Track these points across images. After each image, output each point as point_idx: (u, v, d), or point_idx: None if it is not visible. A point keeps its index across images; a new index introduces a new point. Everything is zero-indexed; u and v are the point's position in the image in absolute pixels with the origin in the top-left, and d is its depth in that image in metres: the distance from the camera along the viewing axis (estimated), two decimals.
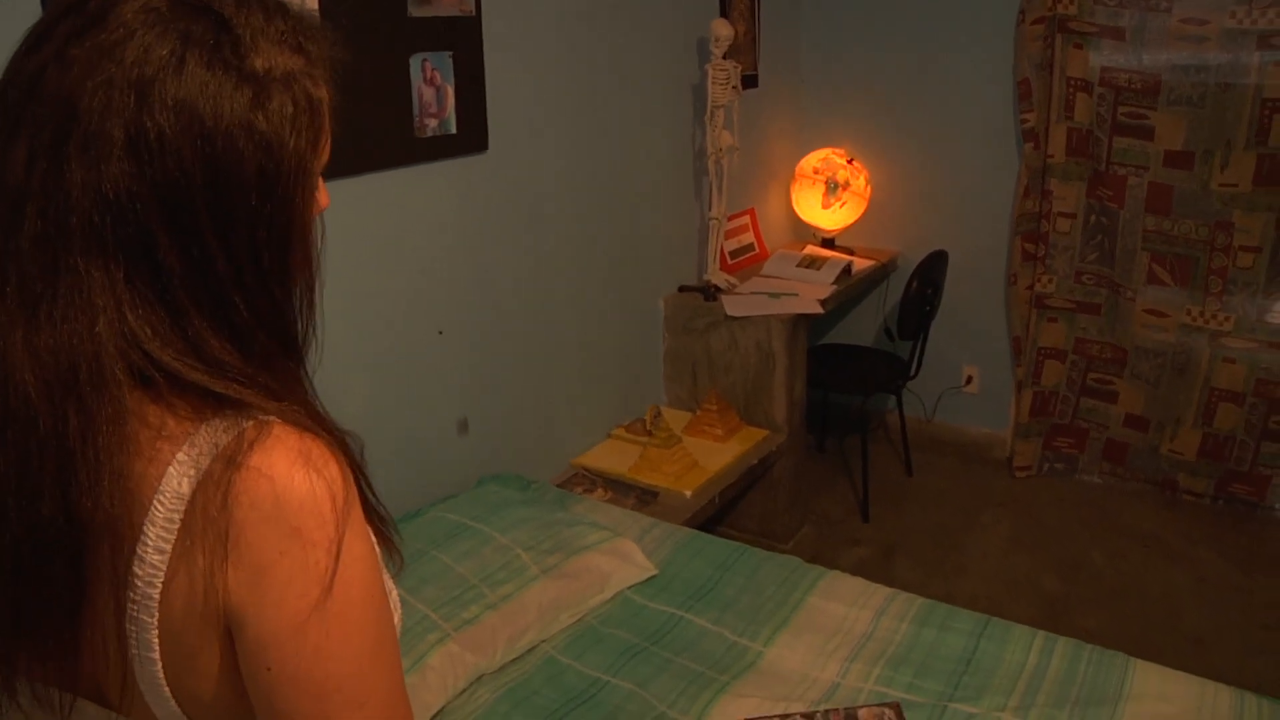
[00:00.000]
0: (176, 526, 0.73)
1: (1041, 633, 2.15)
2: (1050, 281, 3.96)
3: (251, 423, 0.74)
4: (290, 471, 0.74)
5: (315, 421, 0.80)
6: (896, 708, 1.93)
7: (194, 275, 0.74)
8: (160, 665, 0.76)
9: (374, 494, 0.87)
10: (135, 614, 0.74)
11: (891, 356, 4.00)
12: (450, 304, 2.69)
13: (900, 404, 4.09)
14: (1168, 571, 3.47)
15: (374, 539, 0.84)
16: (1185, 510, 3.87)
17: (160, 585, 0.73)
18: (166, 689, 0.77)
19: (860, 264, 3.94)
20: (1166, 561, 3.53)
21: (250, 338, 0.78)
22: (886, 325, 4.27)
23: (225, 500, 0.72)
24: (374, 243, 2.44)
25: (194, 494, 0.72)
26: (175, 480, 0.73)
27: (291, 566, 0.74)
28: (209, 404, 0.75)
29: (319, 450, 0.76)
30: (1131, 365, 3.92)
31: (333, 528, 0.75)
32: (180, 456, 0.74)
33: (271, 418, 0.76)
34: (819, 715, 1.92)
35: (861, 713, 1.92)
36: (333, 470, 0.76)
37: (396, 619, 0.88)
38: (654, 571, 2.34)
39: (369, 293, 2.45)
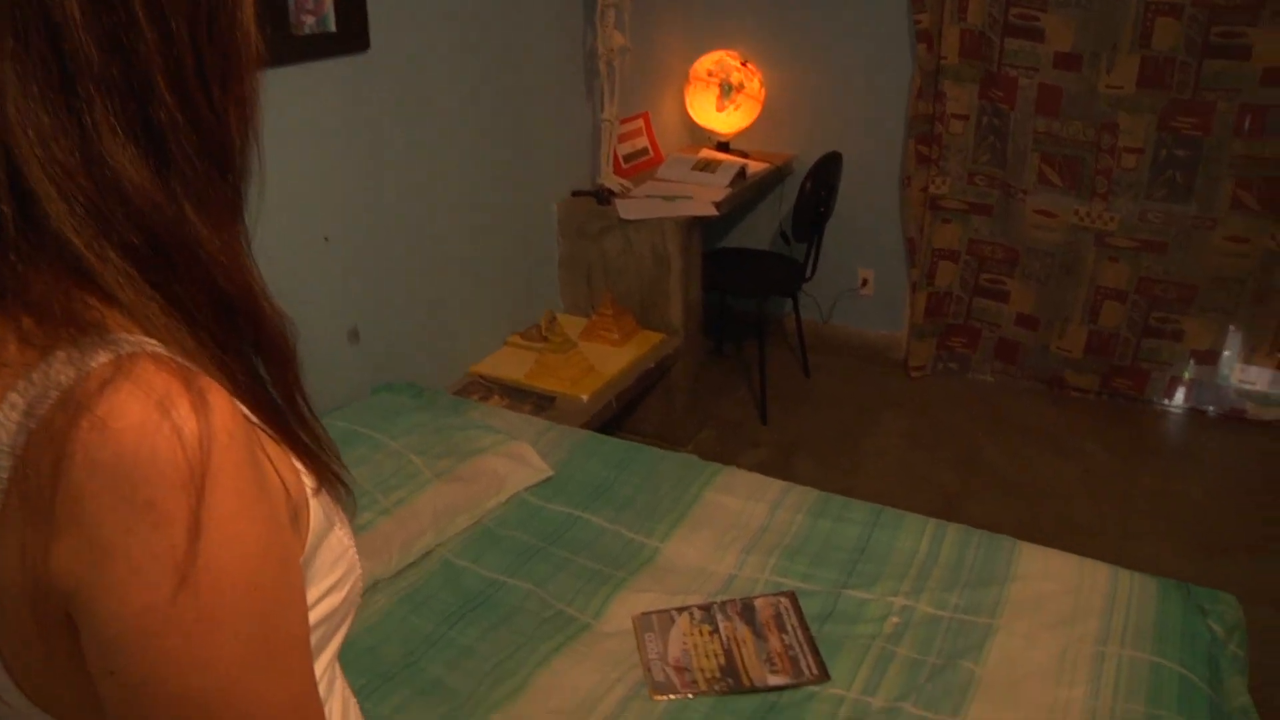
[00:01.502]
0: (3, 487, 0.58)
1: (933, 520, 2.18)
2: (944, 183, 3.98)
3: (108, 358, 0.57)
4: (144, 425, 0.56)
5: (221, 334, 0.66)
6: (792, 596, 1.95)
7: (107, 54, 0.59)
8: None
9: (309, 427, 0.74)
10: None
11: (787, 260, 4.00)
12: (336, 210, 2.59)
13: (797, 307, 4.10)
14: (1056, 464, 3.57)
15: (294, 502, 0.69)
16: (1073, 406, 3.98)
17: None
18: (6, 677, 0.64)
19: (755, 167, 3.91)
20: (1055, 455, 3.63)
21: (172, 146, 0.62)
22: (782, 229, 4.26)
23: (59, 459, 0.56)
24: None
25: (26, 448, 0.57)
26: (4, 428, 0.57)
27: (140, 549, 0.56)
28: (67, 322, 0.59)
29: (196, 394, 0.58)
30: (1023, 265, 3.98)
31: (195, 499, 0.57)
32: (13, 397, 0.58)
33: (145, 347, 0.59)
34: (715, 606, 1.92)
35: (757, 602, 1.93)
36: (212, 421, 0.58)
37: (348, 587, 0.77)
38: (550, 473, 2.32)
39: (248, 199, 2.34)
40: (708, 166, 3.78)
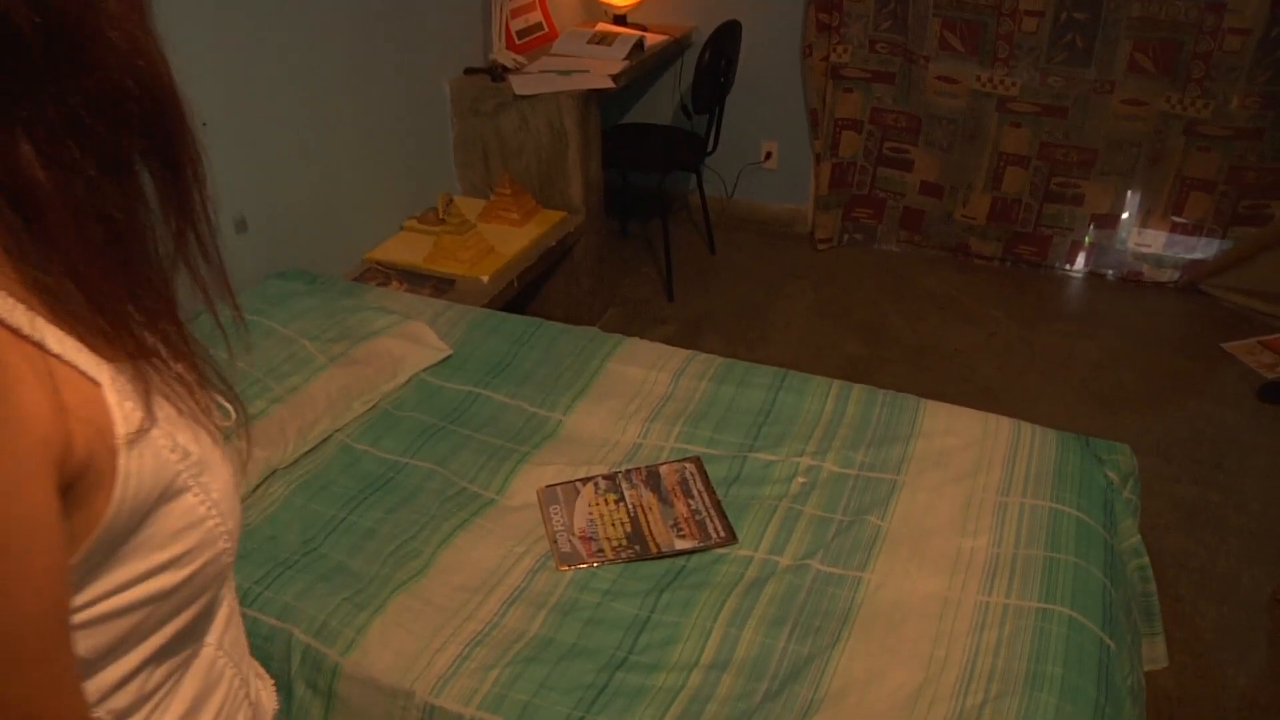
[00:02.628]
0: None
1: (838, 382, 2.17)
2: (845, 51, 3.91)
3: None
4: None
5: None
6: (697, 461, 1.93)
7: None
8: None
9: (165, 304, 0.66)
10: None
11: (689, 134, 3.92)
12: (214, 94, 2.44)
13: (700, 182, 4.04)
14: (961, 330, 3.60)
15: (75, 460, 0.57)
16: (977, 273, 4.01)
17: None
18: None
19: (653, 39, 3.80)
20: (960, 321, 3.66)
21: None
22: (683, 102, 4.17)
23: None
24: None
25: None
26: None
27: None
28: None
29: None
30: (925, 133, 3.96)
31: None
32: None
33: None
34: (620, 475, 1.90)
35: (663, 469, 1.91)
36: None
37: (199, 562, 0.67)
38: (448, 352, 2.25)
39: None
40: (604, 40, 3.67)
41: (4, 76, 0.54)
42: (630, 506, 1.83)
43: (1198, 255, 3.82)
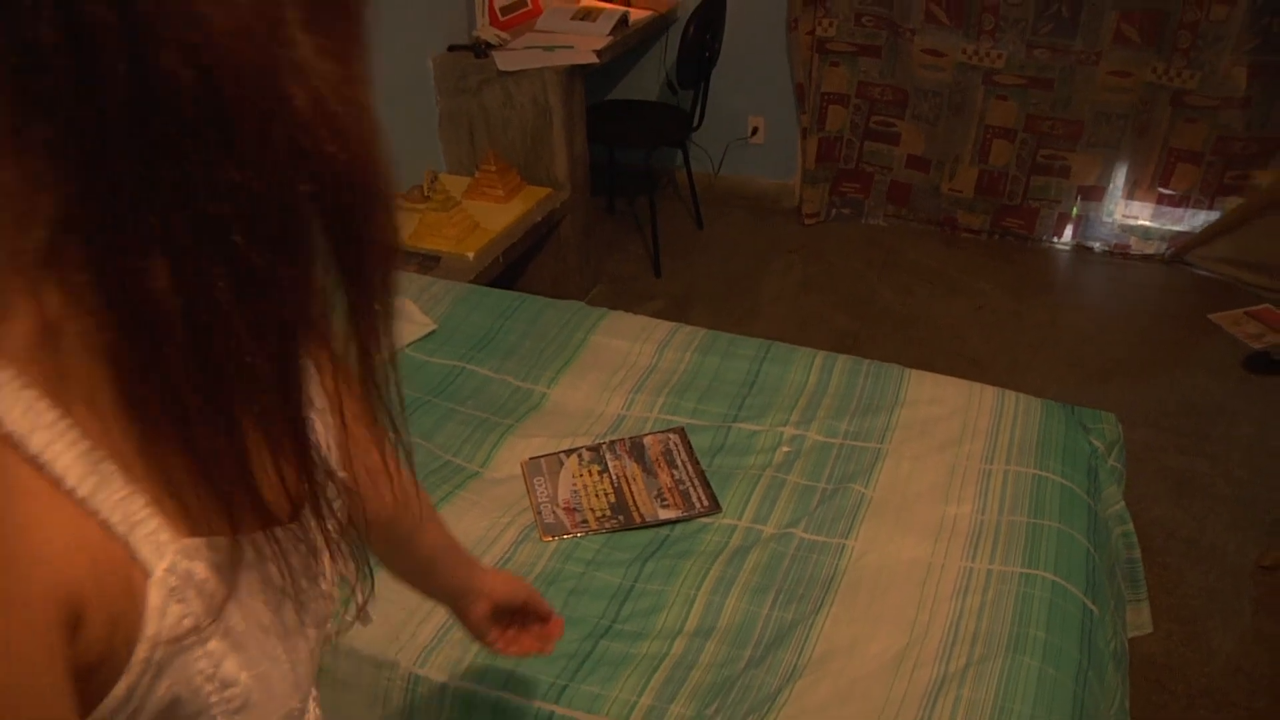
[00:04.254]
0: None
1: (822, 352, 2.17)
2: (831, 25, 3.90)
3: None
4: None
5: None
6: (681, 432, 1.93)
7: None
8: None
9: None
10: None
11: (675, 109, 3.91)
12: None
13: (687, 158, 4.02)
14: (949, 303, 3.60)
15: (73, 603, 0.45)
16: (965, 246, 4.01)
17: None
18: None
19: (637, 14, 3.78)
20: (948, 294, 3.66)
21: None
22: (669, 77, 4.15)
23: None
24: None
25: None
26: None
27: None
28: None
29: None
30: (912, 106, 3.95)
31: None
32: None
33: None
34: (604, 446, 1.90)
35: (646, 440, 1.91)
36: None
37: None
38: (433, 326, 2.24)
39: None
40: (588, 15, 3.64)
41: (148, 155, 0.41)
42: (614, 477, 1.82)
43: (1184, 227, 3.82)
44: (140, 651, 0.48)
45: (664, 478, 1.82)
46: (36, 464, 0.43)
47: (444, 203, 2.96)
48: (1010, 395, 2.03)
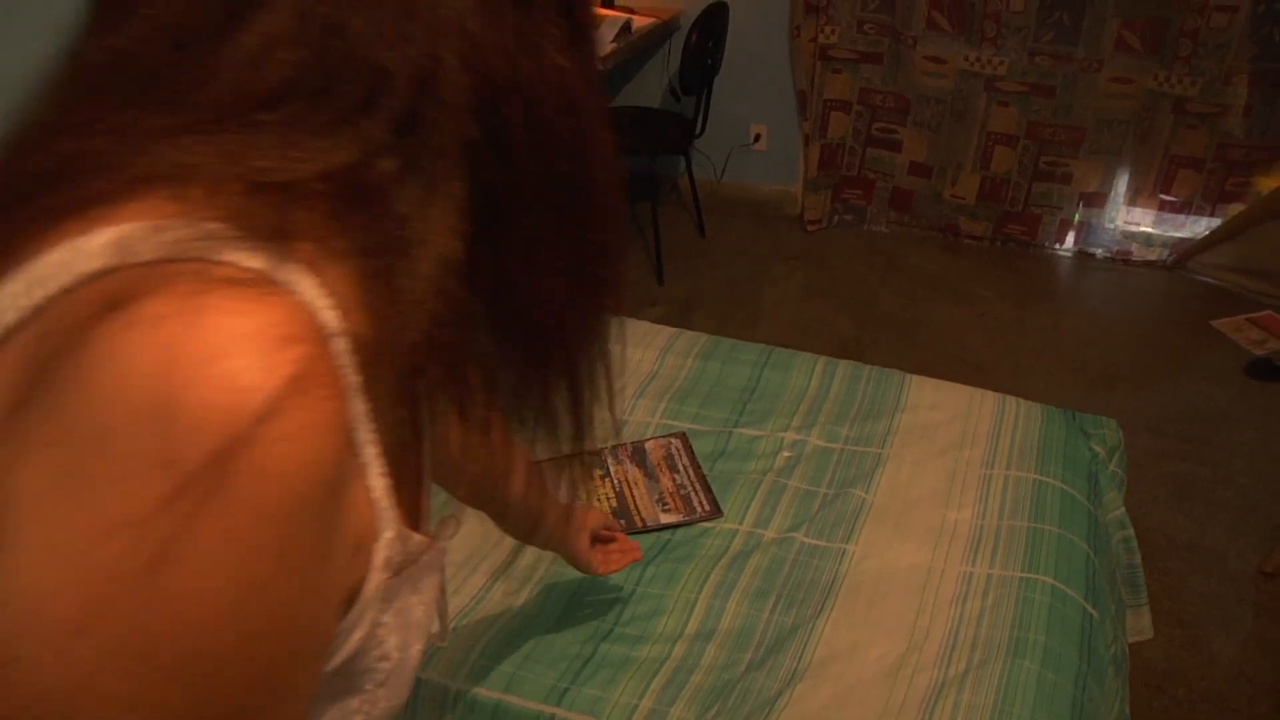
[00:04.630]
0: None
1: (823, 358, 2.18)
2: (833, 32, 3.91)
3: (256, 264, 0.43)
4: (213, 351, 0.40)
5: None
6: (683, 437, 1.93)
7: None
8: None
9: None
10: None
11: (677, 116, 3.92)
12: None
13: (690, 165, 4.04)
14: (951, 309, 3.61)
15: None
16: (967, 252, 4.02)
17: None
18: None
19: (640, 21, 3.80)
20: (950, 300, 3.67)
21: None
22: (671, 84, 4.17)
23: (91, 329, 0.39)
24: None
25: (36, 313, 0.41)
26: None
27: (96, 498, 0.39)
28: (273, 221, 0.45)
29: (317, 372, 0.43)
30: (914, 113, 3.96)
31: (213, 492, 0.39)
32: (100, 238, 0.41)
33: (307, 293, 0.44)
34: (606, 451, 1.90)
35: (649, 445, 1.92)
36: (307, 414, 0.42)
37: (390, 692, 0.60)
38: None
39: None
40: None
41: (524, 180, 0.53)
42: (615, 482, 1.83)
43: (1186, 233, 3.83)
44: (356, 605, 0.53)
45: (665, 482, 1.82)
46: (357, 444, 0.49)
47: None
48: (1011, 401, 2.04)
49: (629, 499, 1.79)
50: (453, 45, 0.48)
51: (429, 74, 0.47)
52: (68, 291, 0.41)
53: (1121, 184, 3.85)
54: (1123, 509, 1.92)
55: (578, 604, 1.59)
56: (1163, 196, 3.80)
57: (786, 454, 1.90)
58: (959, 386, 2.09)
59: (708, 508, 1.77)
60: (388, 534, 0.53)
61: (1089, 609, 1.58)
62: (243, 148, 0.44)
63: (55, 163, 0.44)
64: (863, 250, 4.04)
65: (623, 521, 1.75)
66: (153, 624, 0.40)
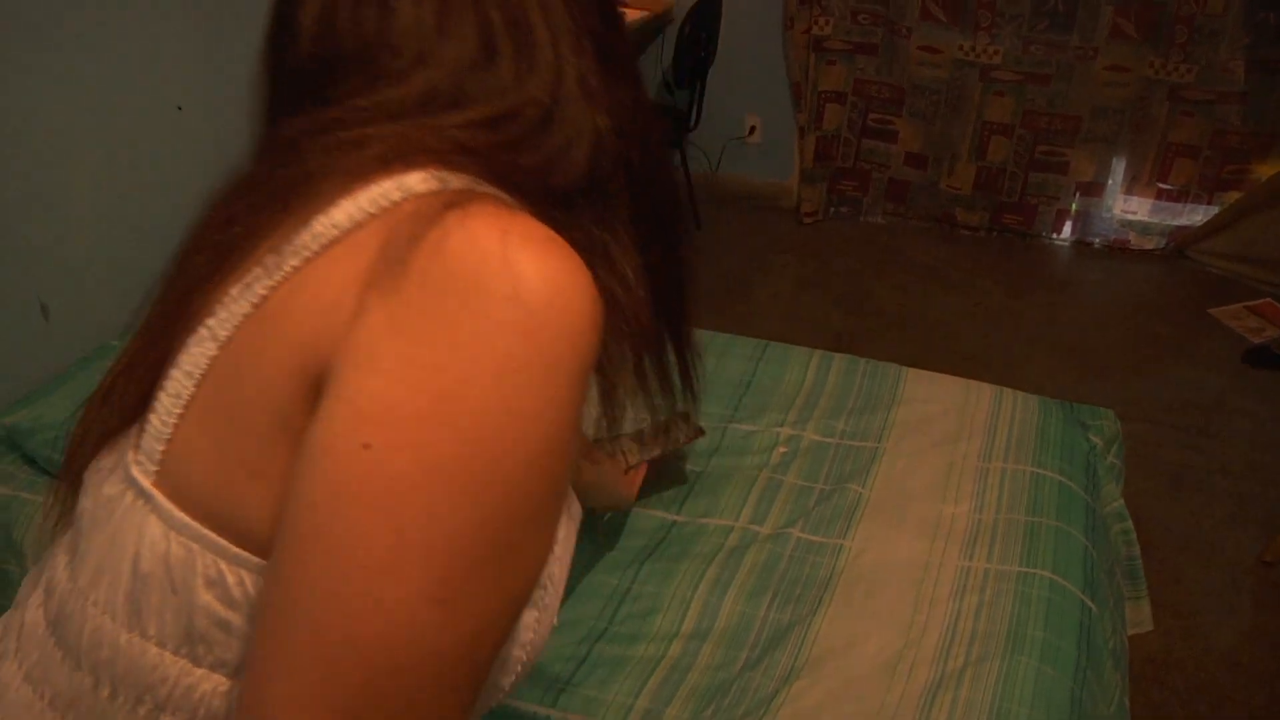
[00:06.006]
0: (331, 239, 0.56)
1: (819, 352, 2.17)
2: (827, 24, 3.89)
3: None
4: (551, 260, 0.53)
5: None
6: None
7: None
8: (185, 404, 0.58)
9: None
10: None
11: (671, 109, 3.90)
12: (189, 79, 2.43)
13: (684, 157, 4.02)
14: (946, 300, 3.60)
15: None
16: (963, 243, 4.00)
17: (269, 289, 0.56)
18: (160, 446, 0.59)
19: (633, 14, 3.77)
20: (945, 291, 3.66)
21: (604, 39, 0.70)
22: (665, 77, 4.15)
23: (436, 217, 0.53)
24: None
25: (369, 220, 0.56)
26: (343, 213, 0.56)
27: (451, 322, 0.51)
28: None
29: (594, 273, 0.57)
30: (909, 103, 3.95)
31: (568, 352, 0.53)
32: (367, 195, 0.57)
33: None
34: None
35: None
36: (596, 309, 0.55)
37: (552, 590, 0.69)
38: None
39: (95, 75, 2.18)
40: None
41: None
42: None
43: (1183, 221, 3.82)
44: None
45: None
46: None
47: None
48: (1008, 393, 2.03)
49: (614, 435, 1.72)
50: (601, 107, 0.66)
51: (605, 130, 0.66)
52: (404, 202, 0.56)
53: (1118, 172, 3.83)
54: (1121, 501, 1.91)
55: (573, 603, 1.58)
56: (1160, 185, 3.79)
57: (782, 449, 1.89)
58: (955, 379, 2.08)
59: (692, 432, 1.73)
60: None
61: (1087, 602, 1.57)
62: (499, 164, 0.62)
63: (347, 140, 0.60)
64: (859, 242, 4.03)
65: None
66: (490, 420, 0.51)
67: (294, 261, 0.56)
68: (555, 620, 0.71)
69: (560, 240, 0.55)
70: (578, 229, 0.62)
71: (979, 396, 2.02)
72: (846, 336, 3.38)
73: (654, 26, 3.97)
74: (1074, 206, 3.93)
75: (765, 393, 2.04)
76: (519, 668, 0.68)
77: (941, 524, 1.72)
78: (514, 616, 0.57)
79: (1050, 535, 1.67)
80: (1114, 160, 3.81)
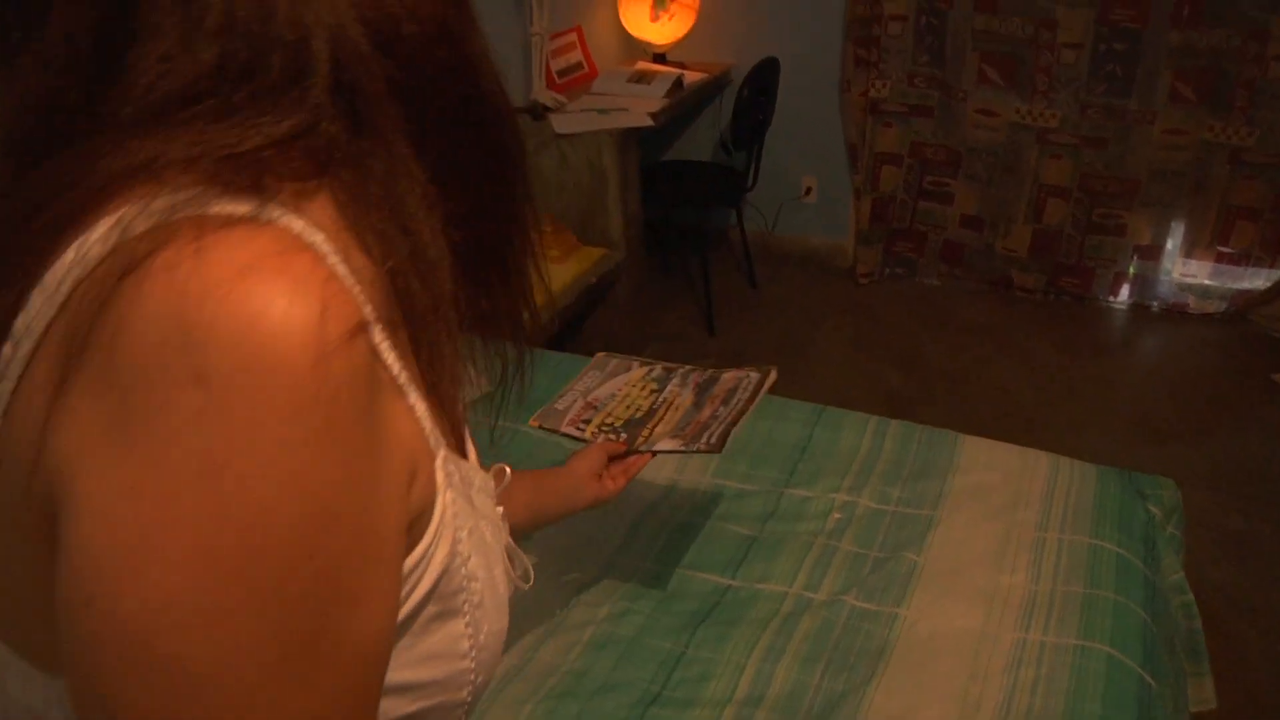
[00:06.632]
0: (46, 320, 0.46)
1: (875, 417, 2.17)
2: (884, 86, 3.93)
3: (242, 210, 0.46)
4: (243, 289, 0.43)
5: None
6: (767, 374, 1.75)
7: None
8: None
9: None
10: None
11: (729, 170, 3.95)
12: None
13: (741, 217, 4.06)
14: (1002, 362, 3.58)
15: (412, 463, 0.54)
16: (1019, 305, 3.99)
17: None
18: None
19: (692, 77, 3.84)
20: (1001, 354, 3.64)
21: None
22: (722, 139, 4.21)
23: (111, 299, 0.43)
24: None
25: (80, 283, 0.45)
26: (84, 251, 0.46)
27: (144, 429, 0.42)
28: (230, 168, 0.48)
29: (325, 289, 0.46)
30: (965, 166, 3.96)
31: (285, 399, 0.43)
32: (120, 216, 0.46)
33: (295, 226, 0.47)
34: (680, 371, 1.77)
35: (727, 374, 1.75)
36: (331, 321, 0.45)
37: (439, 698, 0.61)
38: (488, 388, 2.27)
39: None
40: (643, 78, 3.71)
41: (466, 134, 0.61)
42: (659, 400, 1.71)
43: (1245, 285, 3.78)
44: (433, 521, 0.57)
45: (705, 412, 1.66)
46: (382, 358, 0.52)
47: None
48: (1065, 462, 2.02)
49: (654, 418, 1.68)
50: (342, 2, 0.52)
51: (337, 33, 0.51)
52: (83, 280, 0.45)
53: (1177, 235, 3.81)
54: (1181, 573, 1.88)
55: (626, 666, 1.59)
56: (1220, 248, 3.76)
57: (837, 515, 1.89)
58: (1011, 447, 2.07)
59: (713, 441, 1.55)
60: (441, 453, 0.58)
61: (1147, 678, 1.55)
62: (193, 133, 0.48)
63: (29, 194, 0.48)
64: (914, 303, 4.03)
65: (624, 435, 1.64)
66: (212, 531, 0.42)
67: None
68: (505, 618, 0.67)
69: (276, 258, 0.45)
70: (335, 177, 0.52)
71: (1036, 465, 2.01)
72: (901, 397, 3.37)
73: (713, 89, 4.03)
74: (1132, 270, 3.91)
75: (821, 458, 2.05)
76: (472, 678, 0.62)
77: (997, 594, 1.71)
78: (366, 678, 0.50)
79: (1108, 608, 1.65)
80: (1173, 223, 3.78)
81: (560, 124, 3.30)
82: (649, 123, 3.34)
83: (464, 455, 0.69)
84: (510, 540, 0.80)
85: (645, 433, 1.60)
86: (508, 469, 0.84)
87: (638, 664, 1.59)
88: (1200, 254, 3.80)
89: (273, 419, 0.43)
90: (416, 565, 0.56)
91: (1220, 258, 3.78)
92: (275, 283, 0.44)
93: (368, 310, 0.49)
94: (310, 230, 0.48)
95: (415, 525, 0.55)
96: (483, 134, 0.63)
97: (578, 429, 1.60)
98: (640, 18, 3.95)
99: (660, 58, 4.06)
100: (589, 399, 1.66)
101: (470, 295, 0.64)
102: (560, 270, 3.18)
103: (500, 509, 0.78)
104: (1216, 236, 3.74)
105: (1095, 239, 3.88)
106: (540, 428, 1.62)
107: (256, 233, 0.45)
